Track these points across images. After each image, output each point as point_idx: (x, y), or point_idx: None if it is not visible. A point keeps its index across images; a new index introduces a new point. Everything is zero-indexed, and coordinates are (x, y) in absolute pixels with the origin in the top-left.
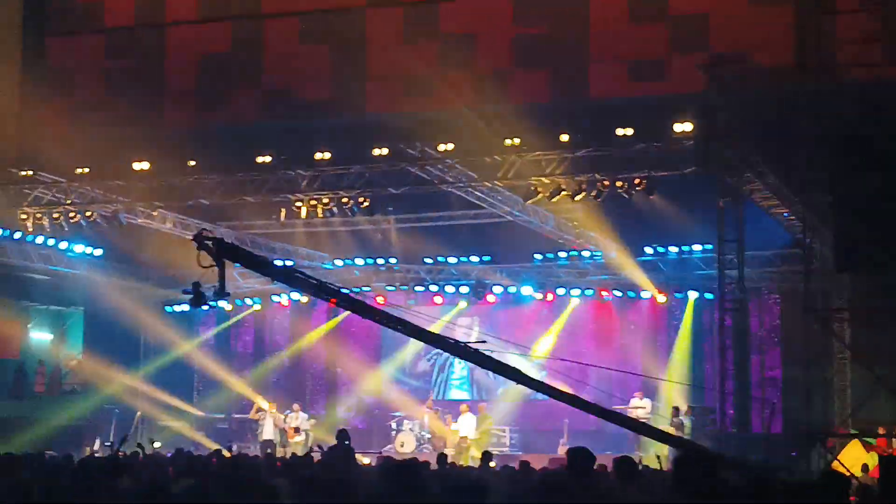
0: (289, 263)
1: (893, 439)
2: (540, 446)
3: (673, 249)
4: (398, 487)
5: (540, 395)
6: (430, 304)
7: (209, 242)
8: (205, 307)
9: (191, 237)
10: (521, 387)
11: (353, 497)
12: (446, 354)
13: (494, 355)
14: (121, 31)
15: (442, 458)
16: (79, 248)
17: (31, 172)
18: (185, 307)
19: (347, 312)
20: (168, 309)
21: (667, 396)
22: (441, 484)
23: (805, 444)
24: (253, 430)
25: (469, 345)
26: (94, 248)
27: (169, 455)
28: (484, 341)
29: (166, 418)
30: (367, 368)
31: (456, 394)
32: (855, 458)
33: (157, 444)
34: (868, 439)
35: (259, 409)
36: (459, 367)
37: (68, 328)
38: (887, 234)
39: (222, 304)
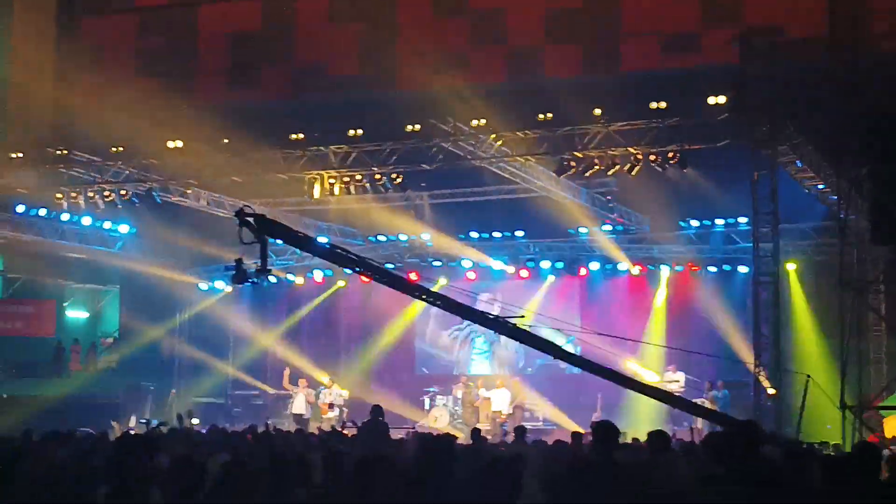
0: (322, 240)
1: None
2: (575, 420)
3: (707, 223)
4: (432, 462)
5: (573, 370)
6: (463, 280)
7: (250, 219)
8: (248, 283)
9: (230, 214)
10: (554, 362)
11: (386, 472)
12: (467, 330)
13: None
14: (153, 11)
15: (476, 433)
16: (113, 226)
17: (66, 151)
18: (222, 283)
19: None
20: (202, 288)
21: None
22: (476, 459)
23: (840, 416)
24: (289, 406)
25: (507, 320)
26: (130, 226)
27: (204, 431)
28: (522, 315)
29: (202, 397)
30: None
31: (477, 368)
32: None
33: (195, 421)
34: None
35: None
36: (480, 341)
37: (104, 306)
38: None
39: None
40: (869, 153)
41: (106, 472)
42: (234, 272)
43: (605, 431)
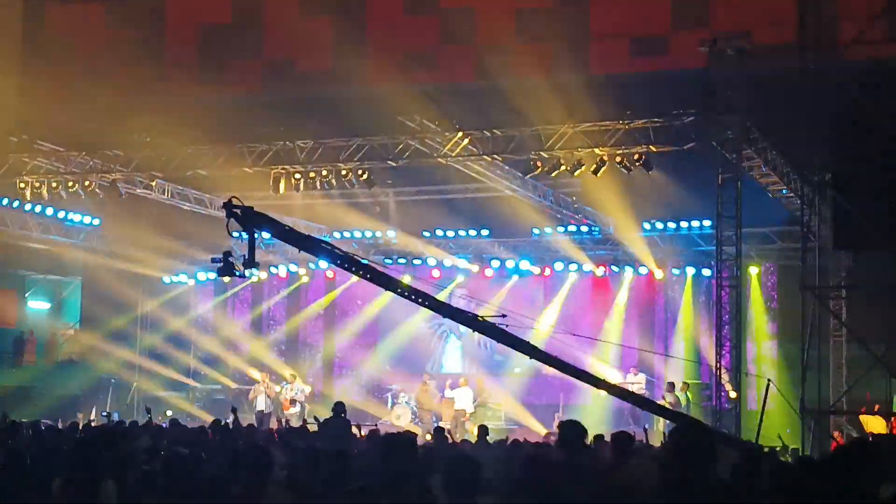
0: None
1: (892, 417)
2: (538, 420)
3: (671, 225)
4: (392, 460)
5: (537, 371)
6: (428, 278)
7: (238, 210)
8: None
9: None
10: (522, 362)
11: (347, 468)
12: (442, 328)
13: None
14: (121, 0)
15: (439, 431)
16: (76, 217)
17: (29, 140)
18: (185, 276)
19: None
20: (165, 281)
21: (664, 372)
22: (436, 458)
23: (799, 421)
24: (249, 401)
25: (486, 319)
26: (93, 217)
27: (164, 426)
28: (504, 315)
29: (163, 390)
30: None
31: (450, 367)
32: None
33: (169, 413)
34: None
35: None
36: (453, 340)
37: (65, 298)
38: (885, 211)
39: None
40: (833, 159)
41: (62, 463)
42: (220, 264)
43: (572, 431)
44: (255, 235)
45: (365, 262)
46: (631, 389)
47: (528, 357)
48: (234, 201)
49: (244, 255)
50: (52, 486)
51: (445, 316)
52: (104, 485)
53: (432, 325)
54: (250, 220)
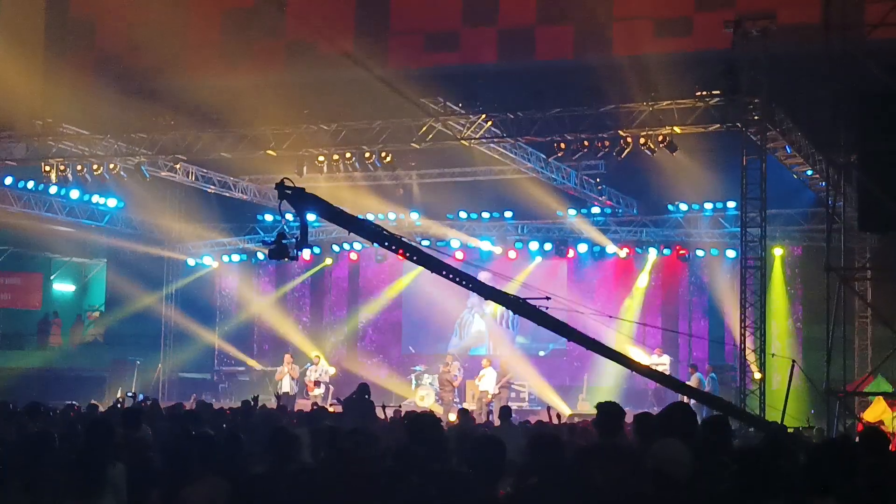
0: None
1: None
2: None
3: (695, 207)
4: (416, 441)
5: (561, 352)
6: (451, 260)
7: (289, 191)
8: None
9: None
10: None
11: (371, 449)
12: (467, 309)
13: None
14: None
15: (464, 412)
16: (101, 200)
17: (54, 124)
18: (209, 259)
19: None
20: (189, 263)
21: (688, 354)
22: (460, 439)
23: (824, 402)
24: (275, 382)
25: (529, 301)
26: (118, 200)
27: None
28: (548, 297)
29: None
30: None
31: (474, 348)
32: (878, 414)
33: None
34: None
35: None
36: (477, 321)
37: (91, 280)
38: None
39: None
40: (858, 141)
41: (76, 444)
42: (273, 247)
43: (610, 414)
44: (292, 217)
45: (411, 243)
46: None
47: (559, 339)
48: (287, 182)
49: (295, 237)
50: (64, 467)
51: (488, 298)
52: (114, 467)
53: (456, 306)
54: (303, 201)
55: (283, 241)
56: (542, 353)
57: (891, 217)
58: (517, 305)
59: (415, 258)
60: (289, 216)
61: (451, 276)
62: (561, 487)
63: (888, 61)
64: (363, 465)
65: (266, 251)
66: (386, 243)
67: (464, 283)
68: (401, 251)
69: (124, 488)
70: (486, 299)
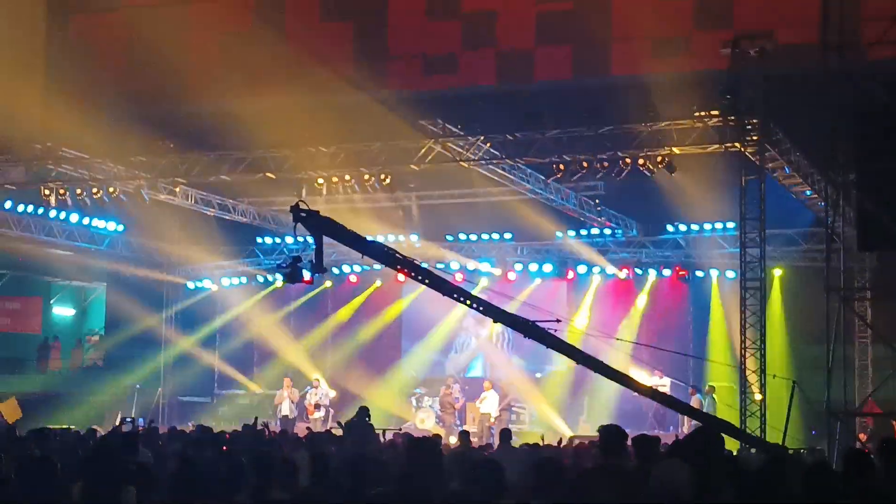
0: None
1: None
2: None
3: (695, 227)
4: (416, 464)
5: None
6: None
7: (304, 214)
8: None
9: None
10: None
11: (371, 472)
12: (464, 333)
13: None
14: (143, 10)
15: (464, 435)
16: (101, 224)
17: (54, 147)
18: (208, 283)
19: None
20: (189, 286)
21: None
22: (460, 462)
23: (824, 422)
24: (275, 406)
25: (538, 324)
26: (117, 223)
27: (190, 431)
28: (558, 320)
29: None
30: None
31: (472, 371)
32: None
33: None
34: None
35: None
36: (473, 343)
37: (91, 304)
38: None
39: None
40: (857, 160)
41: (83, 469)
42: (288, 270)
43: (612, 437)
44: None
45: (424, 266)
46: None
47: (556, 360)
48: (301, 205)
49: (311, 260)
50: (73, 491)
51: (498, 321)
52: (125, 490)
53: (454, 328)
54: (317, 224)
55: (299, 265)
56: (538, 375)
57: (890, 236)
58: (527, 329)
59: (427, 281)
60: (289, 239)
61: (461, 298)
62: None
63: (886, 80)
64: (356, 495)
65: (280, 274)
66: (398, 266)
67: (474, 305)
68: (413, 274)
69: None
70: (496, 322)
